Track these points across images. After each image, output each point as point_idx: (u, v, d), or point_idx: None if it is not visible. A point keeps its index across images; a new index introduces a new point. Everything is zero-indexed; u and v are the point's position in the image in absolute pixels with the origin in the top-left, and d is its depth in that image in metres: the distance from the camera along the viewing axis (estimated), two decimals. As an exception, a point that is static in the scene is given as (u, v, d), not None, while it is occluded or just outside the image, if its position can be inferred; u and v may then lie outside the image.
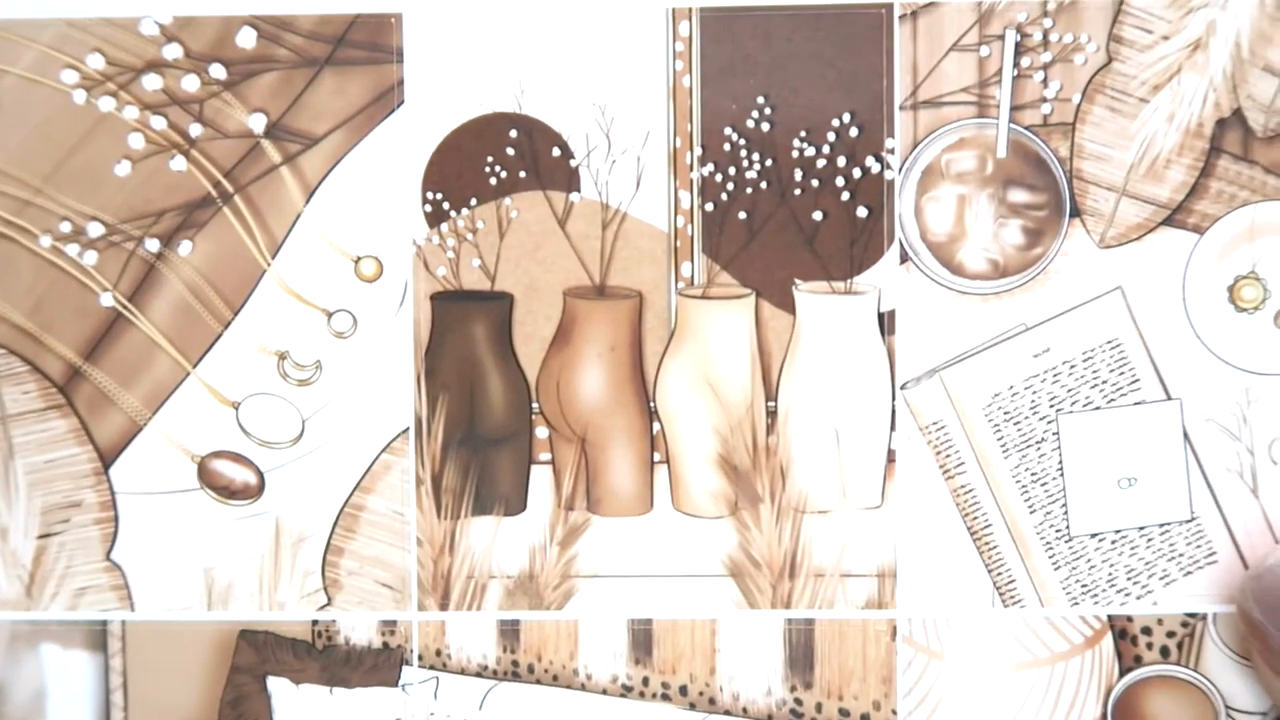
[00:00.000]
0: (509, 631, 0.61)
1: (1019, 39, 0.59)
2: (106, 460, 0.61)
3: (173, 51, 0.59)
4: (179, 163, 0.60)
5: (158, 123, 0.60)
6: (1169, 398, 0.59)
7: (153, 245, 0.60)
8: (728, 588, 0.61)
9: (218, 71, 0.60)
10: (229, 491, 0.60)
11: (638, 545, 0.61)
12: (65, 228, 0.60)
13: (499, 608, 0.61)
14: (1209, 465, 0.59)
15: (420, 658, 0.61)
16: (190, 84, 0.60)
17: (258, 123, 0.60)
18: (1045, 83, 0.59)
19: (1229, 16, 0.58)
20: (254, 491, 0.60)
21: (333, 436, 0.60)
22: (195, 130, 0.60)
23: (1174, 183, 0.59)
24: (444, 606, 0.61)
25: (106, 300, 0.60)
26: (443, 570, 0.61)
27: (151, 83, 0.60)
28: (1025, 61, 0.59)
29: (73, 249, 0.60)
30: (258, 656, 0.60)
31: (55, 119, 0.60)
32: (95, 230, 0.60)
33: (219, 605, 0.61)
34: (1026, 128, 0.59)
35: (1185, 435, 0.59)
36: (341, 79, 0.59)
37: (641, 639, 0.61)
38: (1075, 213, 0.59)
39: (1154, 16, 0.59)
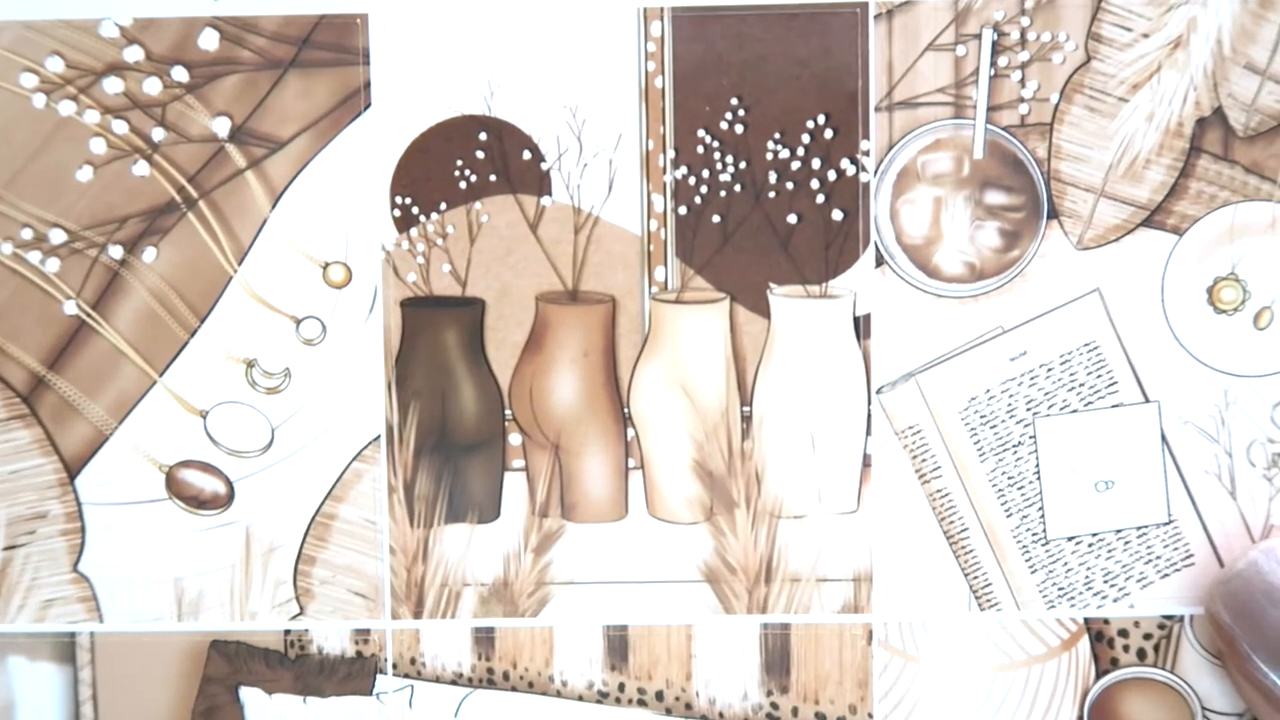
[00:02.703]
0: (484, 639, 0.60)
1: (996, 38, 0.58)
2: (72, 471, 0.60)
3: (133, 54, 0.58)
4: (142, 168, 0.59)
5: (119, 127, 0.58)
6: (1147, 400, 0.59)
7: (116, 252, 0.59)
8: (704, 593, 0.60)
9: (180, 74, 0.58)
10: (198, 501, 0.60)
11: (613, 551, 0.60)
12: (27, 234, 0.59)
13: (473, 615, 0.60)
14: (1187, 468, 0.59)
15: (395, 666, 0.60)
16: (152, 87, 0.58)
17: (222, 126, 0.58)
18: (1023, 82, 0.58)
19: (1210, 13, 0.57)
20: (223, 501, 0.60)
21: (303, 445, 0.60)
22: (158, 134, 0.58)
23: (1153, 183, 0.58)
24: (418, 615, 0.60)
25: (70, 308, 0.59)
26: (416, 578, 0.60)
27: (112, 86, 0.58)
28: (1002, 61, 0.58)
29: (34, 256, 0.59)
30: (230, 667, 0.60)
31: (14, 123, 0.58)
32: (57, 237, 0.59)
33: (189, 616, 0.60)
34: (1004, 128, 0.58)
35: (1163, 438, 0.59)
36: (307, 81, 0.58)
37: (617, 645, 0.60)
38: (1053, 214, 0.58)
39: (1134, 14, 0.58)
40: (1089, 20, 0.58)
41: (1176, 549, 0.59)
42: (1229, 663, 0.55)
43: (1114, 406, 0.59)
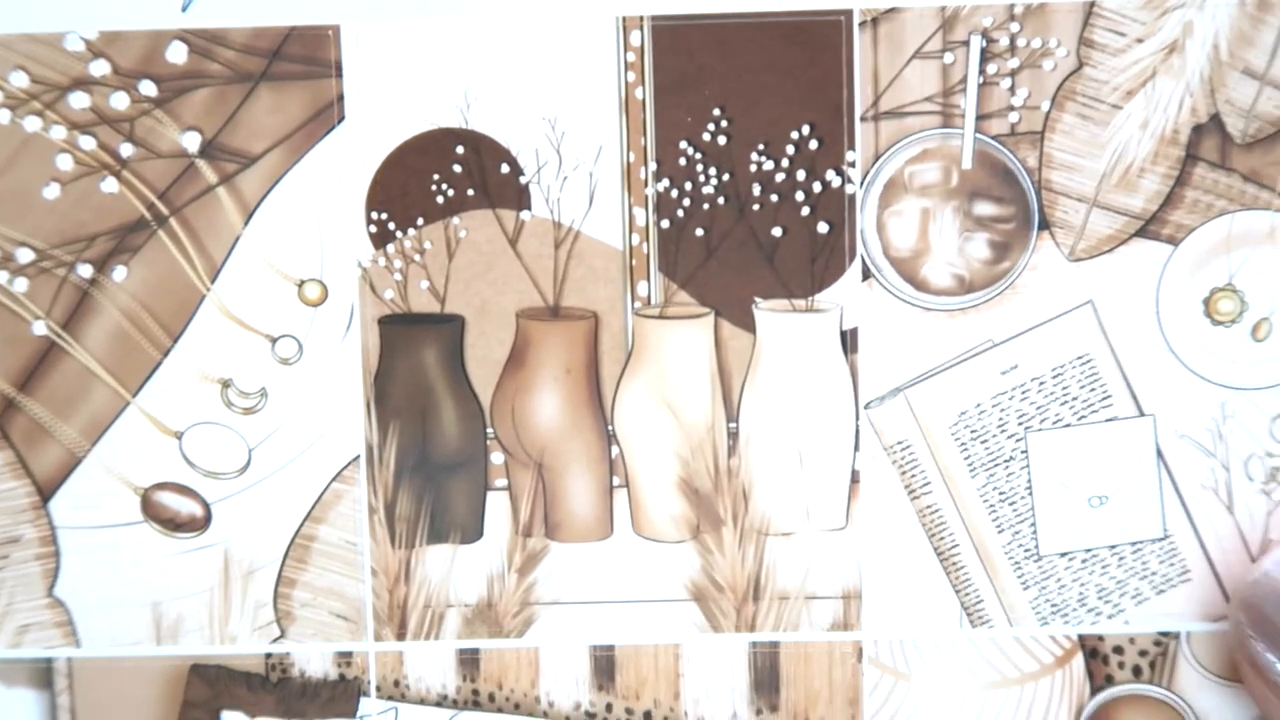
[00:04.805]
0: (468, 660, 0.60)
1: (985, 44, 0.56)
2: (45, 494, 0.59)
3: (100, 68, 0.57)
4: (110, 184, 0.57)
5: (87, 143, 0.57)
6: (1142, 414, 0.58)
7: (85, 271, 0.58)
8: (691, 612, 0.59)
9: (148, 88, 0.57)
10: (174, 524, 0.58)
11: (598, 571, 0.59)
12: (-6, 254, 0.58)
13: (458, 636, 0.59)
14: (1183, 482, 0.58)
15: (378, 688, 0.60)
16: (119, 102, 0.57)
17: (192, 141, 0.57)
18: (1012, 90, 0.56)
19: (1206, 17, 0.56)
20: (200, 523, 0.59)
21: (281, 466, 0.58)
22: (126, 150, 0.57)
23: (1148, 192, 0.57)
24: (401, 636, 0.59)
25: (39, 329, 0.58)
26: (399, 600, 0.59)
27: (79, 101, 0.57)
28: (991, 68, 0.56)
29: (2, 276, 0.58)
30: (210, 691, 0.59)
31: (-21, 140, 0.57)
32: (25, 256, 0.57)
33: (168, 640, 0.59)
34: (993, 137, 0.57)
35: (1159, 452, 0.58)
36: (278, 95, 0.57)
37: (604, 665, 0.59)
38: (1044, 225, 0.57)
39: (1127, 19, 0.56)
40: (1081, 25, 0.56)
41: (1173, 565, 0.58)
42: (1250, 675, 0.53)
43: (1108, 420, 0.58)
